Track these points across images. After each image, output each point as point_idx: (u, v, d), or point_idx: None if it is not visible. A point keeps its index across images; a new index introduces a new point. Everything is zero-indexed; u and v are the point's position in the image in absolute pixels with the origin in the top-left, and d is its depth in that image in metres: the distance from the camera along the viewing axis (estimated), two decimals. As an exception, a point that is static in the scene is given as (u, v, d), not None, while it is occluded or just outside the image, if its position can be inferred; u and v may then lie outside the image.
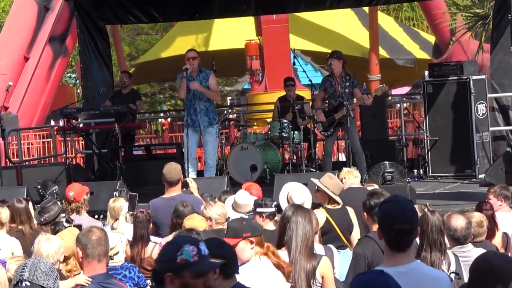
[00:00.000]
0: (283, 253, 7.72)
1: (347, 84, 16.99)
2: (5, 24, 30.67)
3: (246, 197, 11.33)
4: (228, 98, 30.95)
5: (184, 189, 12.23)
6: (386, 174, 15.71)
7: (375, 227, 8.20)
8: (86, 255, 7.08)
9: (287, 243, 7.41)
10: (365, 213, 8.95)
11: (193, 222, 9.47)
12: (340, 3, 22.80)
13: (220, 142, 18.14)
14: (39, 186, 16.22)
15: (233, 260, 5.73)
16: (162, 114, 32.53)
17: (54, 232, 10.44)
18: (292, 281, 7.33)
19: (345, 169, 13.18)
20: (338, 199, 10.87)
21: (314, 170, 16.10)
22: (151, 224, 10.84)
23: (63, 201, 13.09)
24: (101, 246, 7.18)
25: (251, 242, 7.34)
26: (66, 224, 10.63)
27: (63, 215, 11.99)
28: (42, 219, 11.96)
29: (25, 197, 14.35)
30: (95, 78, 22.96)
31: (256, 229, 7.73)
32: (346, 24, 31.44)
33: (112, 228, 11.04)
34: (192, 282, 4.61)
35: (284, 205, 11.20)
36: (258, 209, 11.01)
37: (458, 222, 8.11)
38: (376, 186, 11.97)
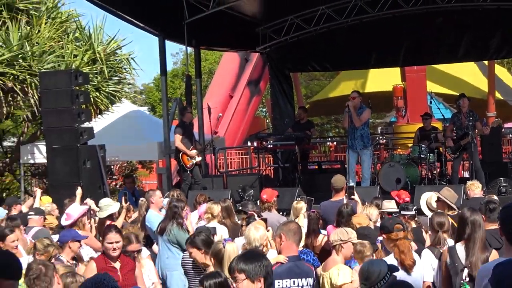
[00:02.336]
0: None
1: (471, 118, 16.73)
2: (217, 71, 31.32)
3: (391, 203, 11.35)
4: (379, 128, 30.63)
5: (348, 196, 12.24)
6: (501, 187, 15.37)
7: (488, 226, 8.10)
8: (287, 239, 7.14)
9: (466, 239, 7.14)
10: (483, 216, 8.78)
11: (359, 219, 9.41)
12: (466, 57, 22.58)
13: (373, 160, 18.07)
14: (239, 190, 16.41)
15: None
16: (329, 139, 32.35)
17: (247, 223, 10.55)
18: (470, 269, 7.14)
19: (469, 182, 12.97)
20: (454, 206, 10.67)
21: (445, 184, 15.80)
22: (320, 221, 10.90)
23: (257, 201, 13.28)
24: (297, 235, 7.26)
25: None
26: (257, 218, 10.75)
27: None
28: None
29: (228, 198, 14.53)
30: (281, 112, 23.15)
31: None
32: (469, 73, 30.84)
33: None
34: None
35: (423, 209, 11.09)
36: (403, 212, 10.96)
37: None
38: (494, 197, 11.76)
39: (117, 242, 8.08)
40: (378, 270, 5.80)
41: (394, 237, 7.75)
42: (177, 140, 17.50)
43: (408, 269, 7.56)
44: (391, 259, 7.55)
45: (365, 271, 5.90)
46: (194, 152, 17.49)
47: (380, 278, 5.73)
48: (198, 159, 17.70)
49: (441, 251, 8.14)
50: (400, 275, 7.22)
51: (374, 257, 8.26)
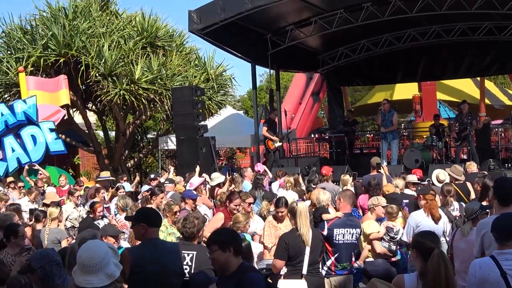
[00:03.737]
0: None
1: (469, 117, 16.34)
2: (290, 86, 31.24)
3: (414, 176, 11.13)
4: (402, 124, 30.11)
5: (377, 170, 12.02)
6: (490, 165, 15.02)
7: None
8: (344, 201, 7.05)
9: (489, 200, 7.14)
10: (478, 186, 8.61)
11: (388, 187, 9.20)
12: (466, 74, 22.33)
13: (399, 146, 17.84)
14: (306, 167, 16.37)
15: None
16: (367, 132, 32.00)
17: (308, 191, 10.47)
18: None
19: (467, 162, 12.76)
20: (460, 178, 10.44)
21: (450, 164, 15.38)
22: (362, 188, 10.73)
23: (317, 175, 13.09)
24: (351, 199, 7.17)
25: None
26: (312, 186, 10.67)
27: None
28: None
29: (298, 173, 14.32)
30: (335, 114, 22.99)
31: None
32: (467, 86, 29.96)
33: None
34: None
35: (434, 181, 10.87)
36: (422, 183, 10.80)
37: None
38: (486, 173, 11.46)
39: (239, 205, 8.07)
40: (472, 208, 6.17)
41: (428, 198, 7.75)
42: (264, 130, 17.66)
43: (436, 221, 7.55)
44: (421, 213, 7.61)
45: (467, 208, 6.27)
46: (276, 138, 17.54)
47: (474, 212, 6.10)
48: (278, 144, 17.72)
49: (449, 210, 8.08)
50: (430, 224, 7.39)
51: (401, 215, 8.18)
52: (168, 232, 7.69)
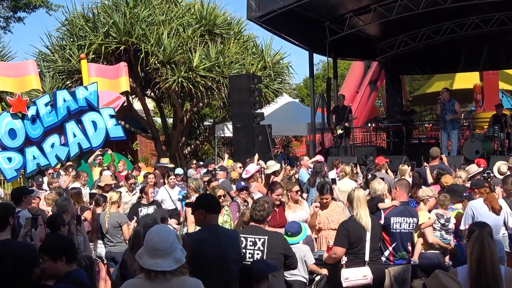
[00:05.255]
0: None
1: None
2: (348, 75, 30.91)
3: (474, 166, 10.83)
4: (462, 114, 29.40)
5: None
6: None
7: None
8: (400, 190, 7.02)
9: None
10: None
11: (446, 179, 8.99)
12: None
13: (459, 137, 17.44)
14: (363, 156, 16.20)
15: None
16: (426, 122, 31.36)
17: (368, 180, 10.39)
18: None
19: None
20: None
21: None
22: (421, 179, 10.55)
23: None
24: (407, 188, 7.11)
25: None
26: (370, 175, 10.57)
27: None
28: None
29: (355, 162, 14.24)
30: (392, 103, 22.70)
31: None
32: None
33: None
34: None
35: (495, 173, 10.60)
36: (482, 175, 10.52)
37: None
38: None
39: (280, 195, 8.02)
40: None
41: (483, 191, 7.66)
42: (329, 118, 17.67)
43: (497, 212, 7.47)
44: (480, 202, 7.54)
45: None
46: (337, 127, 17.34)
47: None
48: (340, 132, 17.42)
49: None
50: (489, 214, 7.35)
51: (461, 206, 8.02)
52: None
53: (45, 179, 12.75)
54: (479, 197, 7.61)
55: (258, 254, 5.50)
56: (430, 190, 7.91)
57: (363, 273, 6.12)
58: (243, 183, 9.36)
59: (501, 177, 9.45)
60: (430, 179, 9.61)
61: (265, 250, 5.52)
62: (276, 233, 6.18)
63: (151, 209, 9.32)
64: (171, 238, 3.72)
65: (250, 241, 5.60)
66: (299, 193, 8.51)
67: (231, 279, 4.81)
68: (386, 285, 6.54)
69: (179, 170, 13.00)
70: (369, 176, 10.93)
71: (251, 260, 5.46)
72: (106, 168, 13.47)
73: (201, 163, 15.18)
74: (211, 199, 5.27)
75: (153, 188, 10.65)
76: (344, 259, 6.26)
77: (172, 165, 14.27)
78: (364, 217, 6.27)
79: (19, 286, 4.08)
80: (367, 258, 6.19)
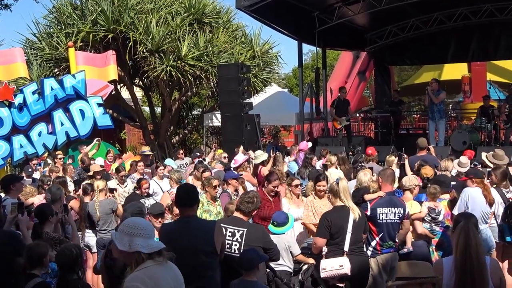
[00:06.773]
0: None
1: (520, 99, 16.01)
2: (336, 65, 30.85)
3: (465, 159, 10.88)
4: (450, 105, 29.52)
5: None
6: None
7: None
8: (383, 180, 7.06)
9: None
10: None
11: (426, 170, 8.77)
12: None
13: (446, 128, 17.53)
14: (351, 147, 16.22)
15: None
16: (414, 112, 31.53)
17: (357, 171, 10.41)
18: None
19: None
20: (490, 165, 10.17)
21: (499, 146, 15.10)
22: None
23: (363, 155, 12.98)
24: (390, 177, 7.12)
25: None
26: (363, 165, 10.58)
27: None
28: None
29: (343, 151, 14.21)
30: (381, 93, 22.76)
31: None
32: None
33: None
34: None
35: (488, 163, 10.65)
36: (473, 163, 10.61)
37: None
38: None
39: (276, 186, 8.02)
40: None
41: (479, 181, 7.85)
42: (332, 112, 17.75)
43: (491, 203, 7.69)
44: (477, 191, 7.65)
45: None
46: (343, 119, 17.36)
47: None
48: (345, 123, 17.50)
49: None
50: (482, 201, 7.56)
51: (449, 197, 8.07)
52: (204, 209, 7.54)
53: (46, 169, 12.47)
54: (475, 186, 7.68)
55: (235, 245, 5.58)
56: (415, 179, 7.92)
57: (339, 263, 6.16)
58: (235, 173, 9.38)
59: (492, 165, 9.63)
60: (408, 171, 9.59)
61: (243, 242, 5.58)
62: (257, 225, 6.22)
63: (151, 201, 9.14)
64: (149, 226, 3.67)
65: (230, 232, 5.66)
66: (299, 187, 8.46)
67: (202, 270, 4.82)
68: (375, 274, 6.60)
69: (168, 161, 12.94)
70: (358, 167, 10.97)
71: (229, 250, 5.52)
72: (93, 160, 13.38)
73: (189, 158, 14.96)
74: (182, 193, 5.19)
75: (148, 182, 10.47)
76: (325, 250, 6.32)
77: (150, 152, 14.14)
78: (352, 206, 6.38)
79: (2, 274, 4.04)
80: (346, 248, 6.24)
